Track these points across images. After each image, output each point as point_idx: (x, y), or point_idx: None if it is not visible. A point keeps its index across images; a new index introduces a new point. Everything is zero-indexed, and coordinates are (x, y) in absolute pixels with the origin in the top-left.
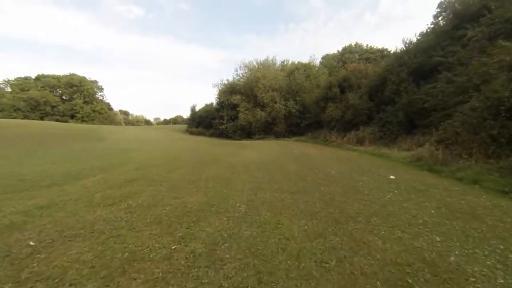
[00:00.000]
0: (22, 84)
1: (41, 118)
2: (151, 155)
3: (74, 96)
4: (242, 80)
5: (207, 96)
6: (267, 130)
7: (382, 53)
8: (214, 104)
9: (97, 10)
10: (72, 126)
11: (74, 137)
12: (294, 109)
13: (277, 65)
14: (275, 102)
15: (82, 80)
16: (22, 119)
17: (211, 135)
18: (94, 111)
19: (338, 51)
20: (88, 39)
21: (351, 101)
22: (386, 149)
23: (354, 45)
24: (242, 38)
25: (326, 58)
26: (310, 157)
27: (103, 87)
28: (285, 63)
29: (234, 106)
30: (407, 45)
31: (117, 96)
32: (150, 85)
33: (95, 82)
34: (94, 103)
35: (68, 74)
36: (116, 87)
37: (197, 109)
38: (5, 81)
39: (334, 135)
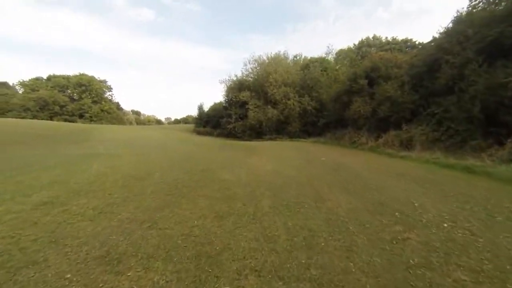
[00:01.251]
0: (33, 85)
1: (50, 118)
2: (119, 165)
3: (83, 96)
4: (252, 76)
5: (216, 97)
6: (279, 130)
7: (407, 44)
8: (223, 102)
9: (110, 14)
10: (62, 125)
11: (52, 138)
12: (309, 106)
13: (289, 59)
14: (288, 99)
15: (91, 79)
16: (31, 118)
17: (218, 135)
18: (102, 110)
19: (355, 44)
20: (102, 42)
21: (388, 93)
22: (465, 157)
23: (372, 37)
24: (249, 38)
25: (340, 53)
26: (353, 171)
27: (111, 86)
28: (298, 57)
29: (243, 104)
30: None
31: (130, 97)
32: (161, 86)
33: (104, 81)
34: (103, 102)
35: (78, 74)
36: (128, 89)
37: (205, 108)
38: (20, 82)
39: (364, 136)
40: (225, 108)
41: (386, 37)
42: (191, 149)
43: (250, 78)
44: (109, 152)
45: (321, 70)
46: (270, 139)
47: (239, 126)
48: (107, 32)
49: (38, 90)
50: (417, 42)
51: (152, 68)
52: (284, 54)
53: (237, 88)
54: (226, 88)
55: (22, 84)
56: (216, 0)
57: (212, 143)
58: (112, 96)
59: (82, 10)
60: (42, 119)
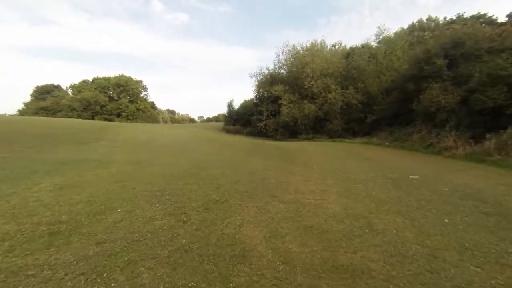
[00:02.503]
0: (80, 87)
1: (92, 117)
2: (83, 184)
3: (121, 96)
4: (285, 68)
5: (248, 95)
6: (317, 128)
7: (480, 20)
8: (253, 98)
9: (149, 20)
10: (85, 123)
11: (55, 137)
12: (354, 99)
13: (326, 49)
14: (329, 91)
15: (128, 80)
16: (76, 118)
17: (249, 134)
18: (138, 109)
19: (403, 28)
20: (142, 46)
21: (504, 71)
22: None
23: (427, 19)
24: (281, 34)
25: (384, 40)
26: None
27: (147, 86)
28: (337, 46)
29: (275, 99)
30: None
31: (166, 97)
32: (195, 86)
33: (140, 82)
34: (138, 102)
35: (117, 75)
36: (165, 89)
37: (235, 105)
38: (70, 85)
39: (450, 136)
40: (255, 104)
41: (445, 17)
42: (212, 152)
43: (283, 71)
44: (102, 158)
45: (368, 58)
46: (307, 139)
47: (271, 124)
48: (146, 37)
49: (83, 92)
50: (497, 19)
51: (187, 69)
52: (321, 43)
53: (268, 82)
54: (256, 83)
55: (72, 86)
56: (247, 0)
57: (239, 144)
58: (147, 95)
59: (125, 19)
60: (85, 118)
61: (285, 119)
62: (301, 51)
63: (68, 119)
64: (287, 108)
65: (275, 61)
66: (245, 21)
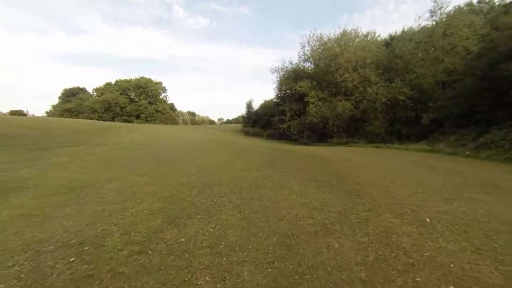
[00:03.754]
0: (103, 89)
1: (112, 119)
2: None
3: (140, 97)
4: (311, 61)
5: (268, 96)
6: (351, 130)
7: None
8: (274, 97)
9: (171, 25)
10: (87, 123)
11: (33, 140)
12: (402, 94)
13: (359, 39)
14: (368, 85)
15: (148, 81)
16: (97, 119)
17: (269, 137)
18: (157, 111)
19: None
20: (164, 50)
21: None
22: None
23: (478, 1)
24: (301, 34)
25: (442, 19)
26: None
27: (166, 88)
28: (372, 36)
29: (300, 97)
30: None
31: (187, 100)
32: (216, 88)
33: (160, 83)
34: (157, 103)
35: (138, 77)
36: (186, 91)
37: (254, 105)
38: (95, 88)
39: None
40: (277, 104)
41: None
42: (218, 164)
43: (309, 64)
44: (29, 179)
45: (417, 43)
46: (339, 143)
47: (296, 126)
48: (169, 42)
49: (105, 94)
50: None
51: (208, 72)
52: (353, 31)
53: (292, 78)
54: (278, 79)
55: (96, 89)
56: (266, 1)
57: (258, 150)
58: (166, 97)
59: (150, 25)
60: (106, 119)
61: (313, 120)
62: (329, 43)
63: (65, 119)
64: (315, 107)
65: (300, 53)
66: (264, 22)
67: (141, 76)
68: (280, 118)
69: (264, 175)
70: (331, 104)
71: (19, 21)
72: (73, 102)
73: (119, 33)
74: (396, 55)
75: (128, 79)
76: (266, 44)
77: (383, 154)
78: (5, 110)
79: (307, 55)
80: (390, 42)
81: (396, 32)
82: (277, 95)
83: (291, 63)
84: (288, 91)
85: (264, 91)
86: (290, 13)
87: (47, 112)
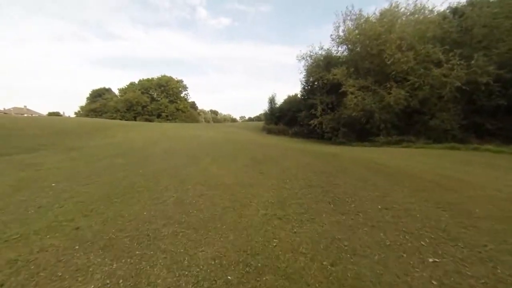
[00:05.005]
0: (127, 89)
1: (134, 118)
2: None
3: (161, 96)
4: (348, 45)
5: (291, 92)
6: (403, 125)
7: None
8: (299, 91)
9: (195, 27)
10: (83, 121)
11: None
12: (484, 75)
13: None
14: (437, 65)
15: (169, 80)
16: (120, 119)
17: (295, 135)
18: (177, 109)
19: None
20: (189, 51)
21: None
22: None
23: None
24: (324, 29)
25: None
26: None
27: (187, 86)
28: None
29: (332, 88)
30: None
31: (210, 98)
32: (238, 86)
33: (181, 81)
34: (178, 101)
35: (160, 76)
36: (209, 90)
37: (278, 102)
38: (119, 88)
39: None
40: (304, 97)
41: None
42: (229, 189)
43: (344, 48)
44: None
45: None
46: (388, 143)
47: (328, 122)
48: (192, 42)
49: (127, 93)
50: None
51: (230, 71)
52: (404, 7)
53: (323, 65)
54: (306, 68)
55: (120, 89)
56: None
57: (289, 158)
58: (187, 95)
59: (175, 27)
60: (128, 119)
61: (352, 114)
62: (373, 19)
63: (56, 117)
64: (355, 98)
65: (333, 35)
66: (285, 19)
67: (162, 74)
68: (309, 113)
69: (331, 239)
70: (376, 94)
71: (63, 30)
72: (98, 103)
73: (146, 36)
74: (472, 24)
75: (150, 78)
76: (288, 41)
77: (498, 163)
78: (45, 111)
79: (342, 37)
80: (461, 10)
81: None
82: (303, 87)
83: (322, 48)
84: (318, 81)
85: (286, 89)
86: (311, 8)
87: (75, 113)
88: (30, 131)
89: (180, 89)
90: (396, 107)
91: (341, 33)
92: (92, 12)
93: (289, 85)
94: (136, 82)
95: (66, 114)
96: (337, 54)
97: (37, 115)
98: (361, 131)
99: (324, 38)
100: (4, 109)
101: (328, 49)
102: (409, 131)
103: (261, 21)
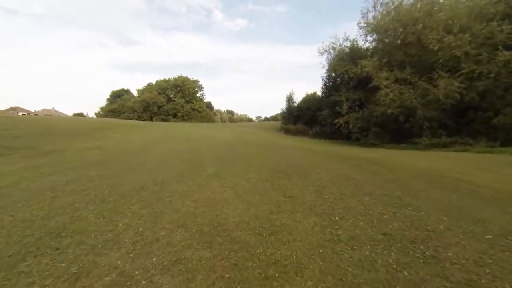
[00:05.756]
0: (144, 90)
1: (151, 118)
2: None
3: (178, 96)
4: (377, 34)
5: (309, 91)
6: (452, 125)
7: None
8: (320, 87)
9: (211, 29)
10: (77, 121)
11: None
12: None
13: None
14: (506, 48)
15: (185, 80)
16: (136, 119)
17: (316, 136)
18: (193, 109)
19: None
20: (205, 53)
21: None
22: None
23: None
24: (341, 27)
25: None
26: None
27: (203, 86)
28: None
29: (360, 83)
30: None
31: (227, 99)
32: (254, 86)
33: (196, 81)
34: (194, 101)
35: (176, 76)
36: (226, 91)
37: (295, 100)
38: (137, 89)
39: None
40: (325, 95)
41: None
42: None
43: (373, 37)
44: None
45: None
46: (435, 145)
47: (355, 121)
48: (209, 45)
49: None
50: None
51: (246, 71)
52: None
53: (348, 58)
54: (329, 62)
55: (138, 90)
56: None
57: (321, 169)
58: (203, 95)
59: (192, 31)
60: (144, 119)
61: (388, 111)
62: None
63: (53, 117)
64: (392, 93)
65: (361, 24)
66: (302, 18)
67: (178, 75)
68: (333, 111)
69: None
70: (417, 87)
71: (88, 38)
72: (116, 103)
73: (164, 40)
74: None
75: (167, 79)
76: (304, 40)
77: None
78: (71, 113)
79: (371, 24)
80: None
81: None
82: (324, 84)
83: (347, 39)
84: (343, 76)
85: (303, 89)
86: (328, 6)
87: (95, 113)
88: (15, 131)
89: (196, 89)
90: (445, 102)
91: (370, 20)
92: (115, 21)
93: (306, 84)
94: (154, 83)
95: (90, 115)
96: (365, 45)
97: (57, 115)
98: (396, 131)
99: (340, 34)
100: (35, 110)
101: (354, 40)
102: (462, 131)
103: (277, 21)
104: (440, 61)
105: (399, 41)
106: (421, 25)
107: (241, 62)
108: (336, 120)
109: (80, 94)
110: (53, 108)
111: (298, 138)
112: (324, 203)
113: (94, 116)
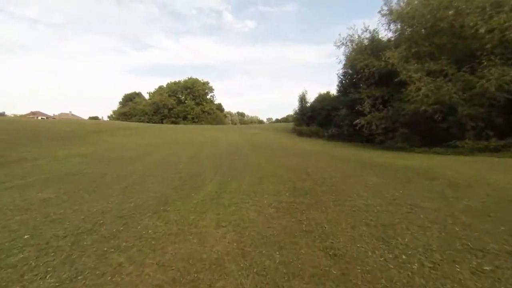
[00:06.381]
0: (155, 92)
1: (161, 120)
2: None
3: (188, 98)
4: (401, 23)
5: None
6: (503, 125)
7: None
8: (336, 85)
9: (221, 31)
10: (89, 123)
11: None
12: None
13: None
14: None
15: (195, 81)
16: (147, 122)
17: (332, 138)
18: (203, 111)
19: None
20: (215, 56)
21: None
22: None
23: None
24: (352, 25)
25: None
26: None
27: (213, 88)
28: None
29: (383, 78)
30: None
31: (237, 101)
32: (264, 88)
33: (207, 83)
34: (204, 103)
35: (186, 78)
36: (236, 93)
37: (308, 100)
38: (148, 92)
39: None
40: (342, 92)
41: None
42: None
43: (398, 26)
44: None
45: None
46: (482, 149)
47: (379, 121)
48: (219, 47)
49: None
50: None
51: (256, 73)
52: None
53: (368, 51)
54: (346, 56)
55: (149, 93)
56: None
57: (350, 181)
58: (213, 97)
59: (202, 34)
60: (155, 122)
61: (421, 109)
62: None
63: (45, 120)
64: (424, 86)
65: (384, 11)
66: (311, 18)
67: (189, 77)
68: (351, 111)
69: None
70: (456, 79)
71: (105, 43)
72: (128, 106)
73: (176, 44)
74: None
75: (177, 81)
76: (315, 40)
77: None
78: (87, 116)
79: (395, 11)
80: None
81: None
82: (341, 81)
83: (366, 30)
84: (364, 70)
85: (314, 90)
86: (337, 4)
87: (108, 116)
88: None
89: (206, 90)
90: (496, 97)
91: (394, 6)
92: (129, 26)
93: (317, 85)
94: (164, 85)
95: (104, 118)
96: (387, 35)
97: (73, 119)
98: (428, 133)
99: (360, 28)
100: (53, 115)
101: (374, 30)
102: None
103: (286, 21)
104: (487, 46)
105: (424, 30)
106: (455, 7)
107: (251, 63)
108: (357, 121)
109: (96, 98)
110: (70, 112)
111: (313, 141)
112: (404, 276)
113: (107, 119)
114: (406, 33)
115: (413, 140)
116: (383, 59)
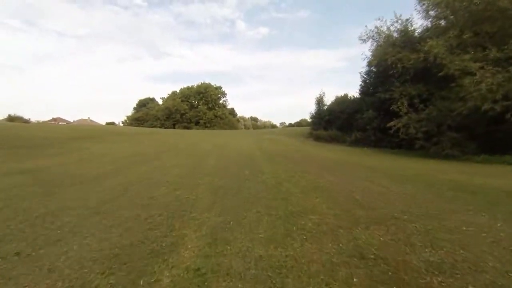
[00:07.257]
0: (168, 97)
1: (173, 125)
2: None
3: (200, 103)
4: (445, 8)
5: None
6: None
7: None
8: (359, 84)
9: (234, 39)
10: (84, 128)
11: None
12: None
13: None
14: None
15: (208, 86)
16: (159, 127)
17: (356, 144)
18: (216, 116)
19: None
20: (230, 63)
21: None
22: None
23: None
24: (364, 28)
25: None
26: None
27: (226, 92)
28: None
29: (419, 73)
30: None
31: (251, 106)
32: (278, 94)
33: (219, 87)
34: (216, 108)
35: (199, 83)
36: (250, 99)
37: (326, 102)
38: (161, 98)
39: None
40: (367, 92)
41: None
42: None
43: (437, 13)
44: None
45: None
46: None
47: (418, 123)
48: (233, 54)
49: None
50: None
51: (270, 78)
52: None
53: (401, 44)
54: (373, 50)
55: (162, 98)
56: (325, 1)
57: (447, 233)
58: (226, 102)
59: (216, 41)
60: (167, 127)
61: (481, 106)
62: None
63: (29, 124)
64: (487, 79)
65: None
66: (324, 22)
67: (202, 82)
68: (381, 112)
69: None
70: None
71: (124, 52)
72: (141, 112)
73: (191, 51)
74: None
75: (190, 86)
76: (328, 45)
77: None
78: (103, 121)
79: None
80: None
81: None
82: (364, 80)
83: (398, 20)
84: (396, 66)
85: (328, 93)
86: (350, 8)
87: (122, 122)
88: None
89: (218, 95)
90: None
91: None
92: (146, 36)
93: (331, 89)
94: (178, 91)
95: (121, 124)
96: (424, 24)
97: (90, 124)
98: (487, 138)
99: (389, 19)
100: (73, 121)
101: (407, 20)
102: None
103: (299, 27)
104: None
105: (475, 13)
106: None
107: (264, 68)
108: (391, 123)
109: (115, 104)
110: (89, 118)
111: (334, 147)
112: None
113: (121, 125)
114: (452, 16)
115: (467, 146)
116: (421, 50)
